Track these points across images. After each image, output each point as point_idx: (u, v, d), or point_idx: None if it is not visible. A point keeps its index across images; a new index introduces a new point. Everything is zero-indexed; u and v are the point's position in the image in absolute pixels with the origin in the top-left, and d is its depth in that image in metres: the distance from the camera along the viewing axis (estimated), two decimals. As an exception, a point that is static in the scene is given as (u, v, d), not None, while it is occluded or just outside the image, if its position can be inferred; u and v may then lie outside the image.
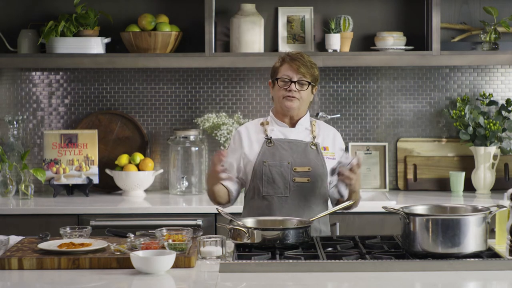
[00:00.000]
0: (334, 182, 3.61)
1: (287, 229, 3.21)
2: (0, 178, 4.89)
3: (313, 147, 3.63)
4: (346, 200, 3.58)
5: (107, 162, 5.06)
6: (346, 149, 5.04)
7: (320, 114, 4.95)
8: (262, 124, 3.69)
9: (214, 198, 3.64)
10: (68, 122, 5.13)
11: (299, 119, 3.66)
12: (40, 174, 4.77)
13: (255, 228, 3.20)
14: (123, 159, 4.95)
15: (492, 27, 4.86)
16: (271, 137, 3.63)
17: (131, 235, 3.29)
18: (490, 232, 3.14)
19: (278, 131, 3.66)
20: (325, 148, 3.66)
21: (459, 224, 3.02)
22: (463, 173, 4.95)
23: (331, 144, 3.69)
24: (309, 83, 3.57)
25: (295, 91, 3.56)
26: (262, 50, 4.91)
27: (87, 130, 4.99)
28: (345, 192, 3.61)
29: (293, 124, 3.67)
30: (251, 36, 4.87)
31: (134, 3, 5.06)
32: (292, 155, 3.60)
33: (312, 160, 3.60)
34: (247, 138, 3.66)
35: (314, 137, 3.65)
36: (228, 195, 3.65)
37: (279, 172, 3.58)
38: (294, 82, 3.56)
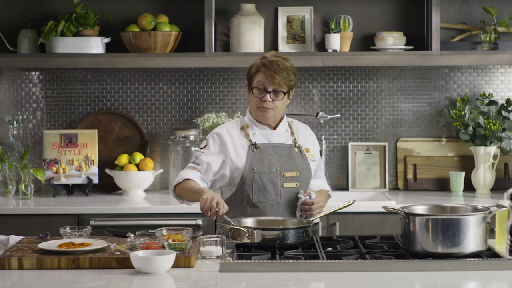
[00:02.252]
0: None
1: (287, 229, 3.21)
2: (0, 178, 4.89)
3: (296, 149, 3.61)
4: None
5: (107, 162, 5.06)
6: (346, 149, 5.05)
7: (320, 114, 4.95)
8: (242, 128, 3.62)
9: (184, 194, 3.51)
10: (68, 122, 5.13)
11: (279, 122, 3.63)
12: (40, 174, 4.77)
13: (255, 228, 3.21)
14: (123, 159, 4.95)
15: (492, 27, 4.86)
16: (255, 142, 3.58)
17: (131, 235, 3.29)
18: (490, 232, 3.14)
19: (260, 134, 3.60)
20: (307, 150, 3.65)
21: (459, 224, 3.02)
22: (463, 173, 4.95)
23: (311, 145, 3.69)
24: (284, 93, 3.52)
25: (270, 101, 3.50)
26: (262, 50, 4.91)
27: (87, 130, 4.99)
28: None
29: (273, 127, 3.63)
30: (251, 36, 4.87)
31: (134, 3, 5.06)
32: (279, 160, 3.56)
33: (299, 164, 3.59)
34: (231, 143, 3.58)
35: (295, 139, 3.63)
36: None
37: (269, 179, 3.54)
38: (269, 92, 3.50)
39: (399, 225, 3.14)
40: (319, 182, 3.76)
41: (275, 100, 3.51)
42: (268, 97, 3.50)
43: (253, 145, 3.57)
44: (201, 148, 3.61)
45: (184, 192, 3.52)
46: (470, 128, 4.91)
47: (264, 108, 3.52)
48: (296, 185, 3.56)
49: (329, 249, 3.23)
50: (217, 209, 3.27)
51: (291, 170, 3.56)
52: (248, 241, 3.17)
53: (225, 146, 3.57)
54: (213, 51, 4.81)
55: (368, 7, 5.05)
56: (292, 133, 3.64)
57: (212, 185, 3.63)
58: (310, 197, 3.50)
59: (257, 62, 3.55)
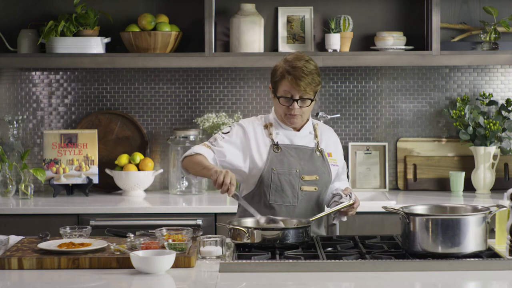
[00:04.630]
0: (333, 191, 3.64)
1: (287, 229, 3.21)
2: (0, 178, 4.89)
3: (318, 153, 3.57)
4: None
5: (107, 162, 5.06)
6: (346, 149, 5.05)
7: (320, 114, 4.95)
8: (266, 126, 3.56)
9: (192, 167, 3.44)
10: (68, 122, 5.13)
11: (304, 124, 3.57)
12: (40, 174, 4.77)
13: (255, 228, 3.20)
14: (123, 159, 4.96)
15: (492, 27, 4.86)
16: (277, 142, 3.54)
17: (131, 235, 3.29)
18: (490, 232, 3.14)
19: (283, 135, 3.55)
20: (329, 154, 3.59)
21: (459, 224, 3.02)
22: (463, 173, 4.95)
23: (333, 150, 3.64)
24: (312, 100, 3.46)
25: (297, 108, 3.44)
26: (262, 50, 4.91)
27: (87, 130, 4.99)
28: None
29: (297, 128, 3.57)
30: (251, 36, 4.87)
31: (134, 3, 5.07)
32: (299, 162, 3.51)
33: (319, 168, 3.54)
34: (255, 141, 3.53)
35: (318, 142, 3.60)
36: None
37: (287, 181, 3.49)
38: (296, 101, 3.43)
39: (399, 225, 3.14)
40: (341, 184, 3.68)
41: (303, 107, 3.46)
42: (295, 105, 3.44)
43: (275, 145, 3.52)
44: (223, 133, 3.55)
45: (193, 165, 3.43)
46: (470, 128, 4.91)
47: (292, 115, 3.47)
48: (315, 189, 3.52)
49: (329, 249, 3.23)
50: (228, 188, 3.22)
51: (311, 173, 3.51)
52: (248, 241, 3.17)
53: (248, 142, 3.52)
54: (213, 51, 4.81)
55: (368, 7, 5.06)
56: (316, 136, 3.59)
57: None
58: (350, 196, 3.48)
59: (281, 66, 3.47)
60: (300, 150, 3.54)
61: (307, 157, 3.54)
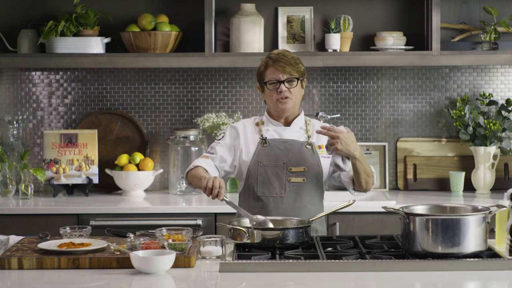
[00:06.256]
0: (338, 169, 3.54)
1: (287, 229, 3.21)
2: (0, 178, 4.89)
3: (308, 146, 3.62)
4: (353, 188, 3.62)
5: (107, 162, 5.06)
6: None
7: (320, 114, 4.94)
8: (257, 124, 3.68)
9: (192, 181, 3.57)
10: (68, 122, 5.13)
11: (294, 118, 3.66)
12: (40, 174, 4.77)
13: (255, 228, 3.21)
14: (123, 159, 4.95)
15: (492, 27, 4.86)
16: (265, 138, 3.62)
17: (131, 235, 3.29)
18: (490, 232, 3.14)
19: (273, 130, 3.65)
20: (320, 147, 3.65)
21: (459, 224, 3.02)
22: (463, 173, 4.95)
23: (326, 142, 3.68)
24: (298, 79, 3.57)
25: (285, 90, 3.55)
26: (262, 50, 4.91)
27: (87, 130, 4.99)
28: (344, 165, 3.44)
29: (288, 123, 3.67)
30: (251, 36, 4.87)
31: (134, 3, 5.06)
32: (287, 155, 3.59)
33: (308, 160, 3.60)
34: (244, 137, 3.65)
35: (308, 137, 3.65)
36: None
37: (274, 173, 3.57)
38: (283, 82, 3.55)
39: (399, 225, 3.14)
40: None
41: (291, 89, 3.56)
42: (283, 86, 3.55)
43: (263, 140, 3.62)
44: (217, 140, 3.70)
45: (192, 178, 3.58)
46: (470, 128, 4.91)
47: (282, 99, 3.57)
48: (303, 180, 3.57)
49: (329, 249, 3.23)
50: (218, 192, 3.31)
51: (298, 165, 3.58)
52: (248, 241, 3.17)
53: (238, 139, 3.65)
54: (213, 51, 4.81)
55: (368, 7, 5.05)
56: (307, 131, 3.66)
57: (225, 176, 3.70)
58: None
59: (263, 60, 3.64)
60: (289, 143, 3.62)
61: (296, 150, 3.61)
